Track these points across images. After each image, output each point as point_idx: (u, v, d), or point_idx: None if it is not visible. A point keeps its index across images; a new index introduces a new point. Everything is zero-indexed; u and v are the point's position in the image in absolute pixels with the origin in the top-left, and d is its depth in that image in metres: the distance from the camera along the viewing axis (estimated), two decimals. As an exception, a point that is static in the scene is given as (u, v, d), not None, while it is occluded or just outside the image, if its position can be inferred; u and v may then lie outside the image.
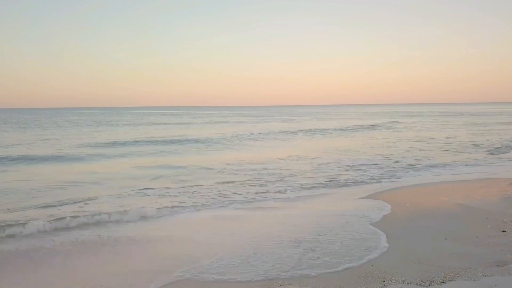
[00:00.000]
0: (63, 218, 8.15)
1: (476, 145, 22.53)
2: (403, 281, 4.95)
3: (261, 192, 11.05)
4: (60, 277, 5.48)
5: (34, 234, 7.37)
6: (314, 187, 11.67)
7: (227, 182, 12.41)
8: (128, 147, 24.03)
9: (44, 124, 53.34)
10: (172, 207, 9.29)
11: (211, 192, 11.03)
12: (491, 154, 18.82)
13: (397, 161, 16.50)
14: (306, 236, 7.00)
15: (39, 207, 9.37)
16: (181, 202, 9.88)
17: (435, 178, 12.73)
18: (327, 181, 12.42)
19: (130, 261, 6.01)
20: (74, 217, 8.22)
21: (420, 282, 4.88)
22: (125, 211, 8.71)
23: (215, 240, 6.95)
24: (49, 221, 7.90)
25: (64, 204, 9.62)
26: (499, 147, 21.17)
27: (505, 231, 6.82)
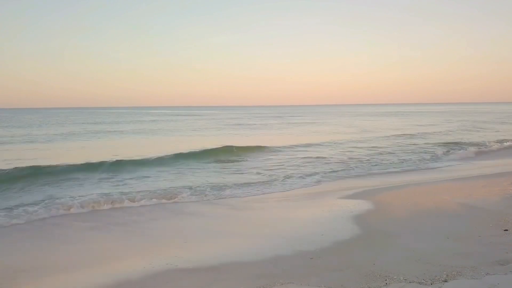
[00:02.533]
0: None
1: None
2: (405, 279, 4.91)
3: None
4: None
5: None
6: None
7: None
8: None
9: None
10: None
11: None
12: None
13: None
14: (306, 236, 6.99)
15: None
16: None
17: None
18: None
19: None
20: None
21: (422, 281, 4.84)
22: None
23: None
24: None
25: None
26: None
27: (507, 230, 6.77)
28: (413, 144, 23.25)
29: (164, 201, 10.14)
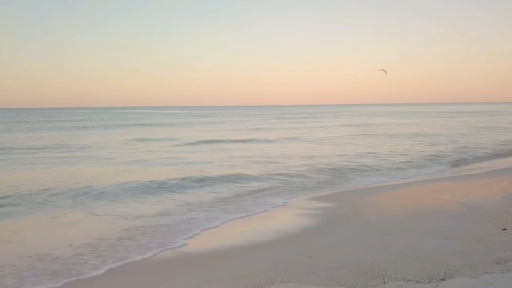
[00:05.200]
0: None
1: None
2: (402, 278, 4.91)
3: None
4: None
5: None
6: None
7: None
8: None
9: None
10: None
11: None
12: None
13: None
14: (305, 234, 7.01)
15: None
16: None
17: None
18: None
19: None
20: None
21: (420, 279, 4.84)
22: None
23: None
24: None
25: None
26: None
27: (505, 229, 6.79)
28: None
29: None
